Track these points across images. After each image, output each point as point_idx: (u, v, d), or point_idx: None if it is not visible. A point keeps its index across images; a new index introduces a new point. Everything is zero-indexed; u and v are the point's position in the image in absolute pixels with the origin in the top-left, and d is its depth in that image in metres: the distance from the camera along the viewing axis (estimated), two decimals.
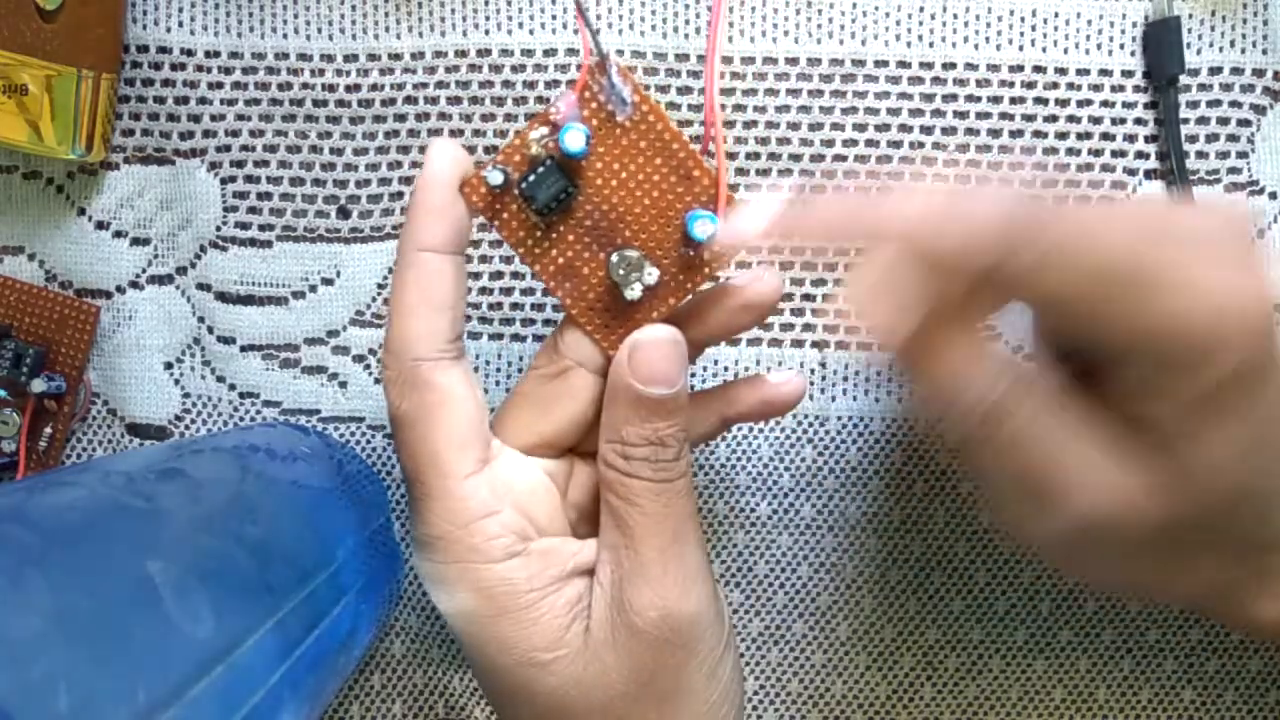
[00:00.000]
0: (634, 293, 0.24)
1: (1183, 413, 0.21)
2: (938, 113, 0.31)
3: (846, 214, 0.23)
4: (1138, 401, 0.22)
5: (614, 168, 0.23)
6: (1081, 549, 0.24)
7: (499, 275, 0.31)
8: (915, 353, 0.22)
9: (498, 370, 0.32)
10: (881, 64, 0.31)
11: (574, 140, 0.23)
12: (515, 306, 0.32)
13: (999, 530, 0.32)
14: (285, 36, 0.31)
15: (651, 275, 0.24)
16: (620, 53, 0.31)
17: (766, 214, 0.23)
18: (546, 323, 0.32)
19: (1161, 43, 0.30)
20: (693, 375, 0.32)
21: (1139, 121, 0.31)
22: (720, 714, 0.25)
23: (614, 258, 0.24)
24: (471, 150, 0.31)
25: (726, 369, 0.32)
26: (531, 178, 0.23)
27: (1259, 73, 0.31)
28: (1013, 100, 0.31)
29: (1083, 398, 0.23)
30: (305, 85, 0.31)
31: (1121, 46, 0.31)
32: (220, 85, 0.31)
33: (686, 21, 0.31)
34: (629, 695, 0.24)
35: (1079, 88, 0.31)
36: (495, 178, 0.23)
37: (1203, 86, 0.31)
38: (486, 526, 0.23)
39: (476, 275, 0.31)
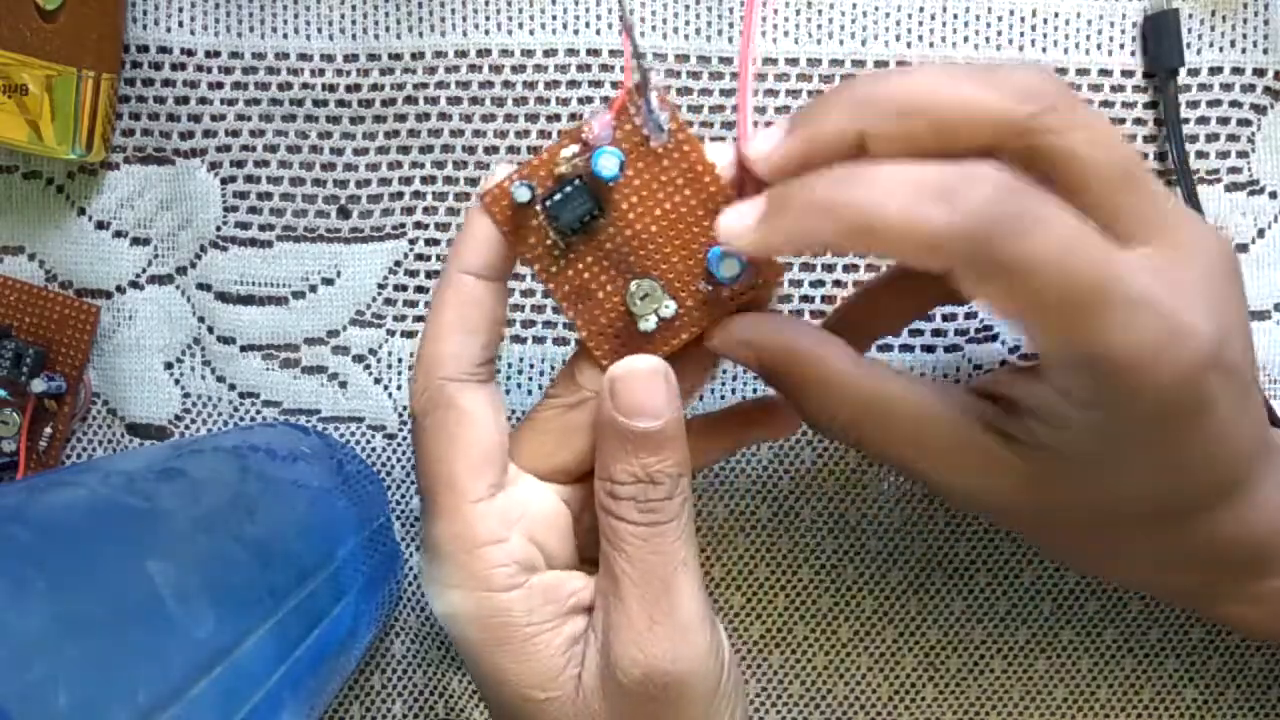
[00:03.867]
0: (648, 324, 0.23)
1: (1083, 427, 0.22)
2: None
3: (860, 95, 0.22)
4: (1051, 408, 0.22)
5: (642, 194, 0.23)
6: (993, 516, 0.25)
7: None
8: (773, 380, 0.23)
9: (497, 372, 0.32)
10: (881, 64, 0.31)
11: (608, 165, 0.22)
12: (515, 308, 0.32)
13: (994, 527, 0.32)
14: (285, 36, 0.31)
15: (669, 308, 0.23)
16: (619, 53, 0.31)
17: (775, 134, 0.22)
18: (547, 324, 0.32)
19: (1160, 35, 0.30)
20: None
21: (1139, 121, 0.31)
22: None
23: (632, 286, 0.23)
24: (471, 150, 0.31)
25: (725, 369, 0.32)
26: (558, 197, 0.22)
27: (1259, 72, 0.31)
28: None
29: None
30: (305, 85, 0.31)
31: (1122, 46, 0.31)
32: (220, 85, 0.31)
33: (686, 22, 0.31)
34: None
35: (1079, 87, 0.31)
36: (521, 194, 0.23)
37: (1203, 86, 0.31)
38: (491, 554, 0.23)
39: None
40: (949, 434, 0.23)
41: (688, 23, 0.31)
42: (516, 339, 0.31)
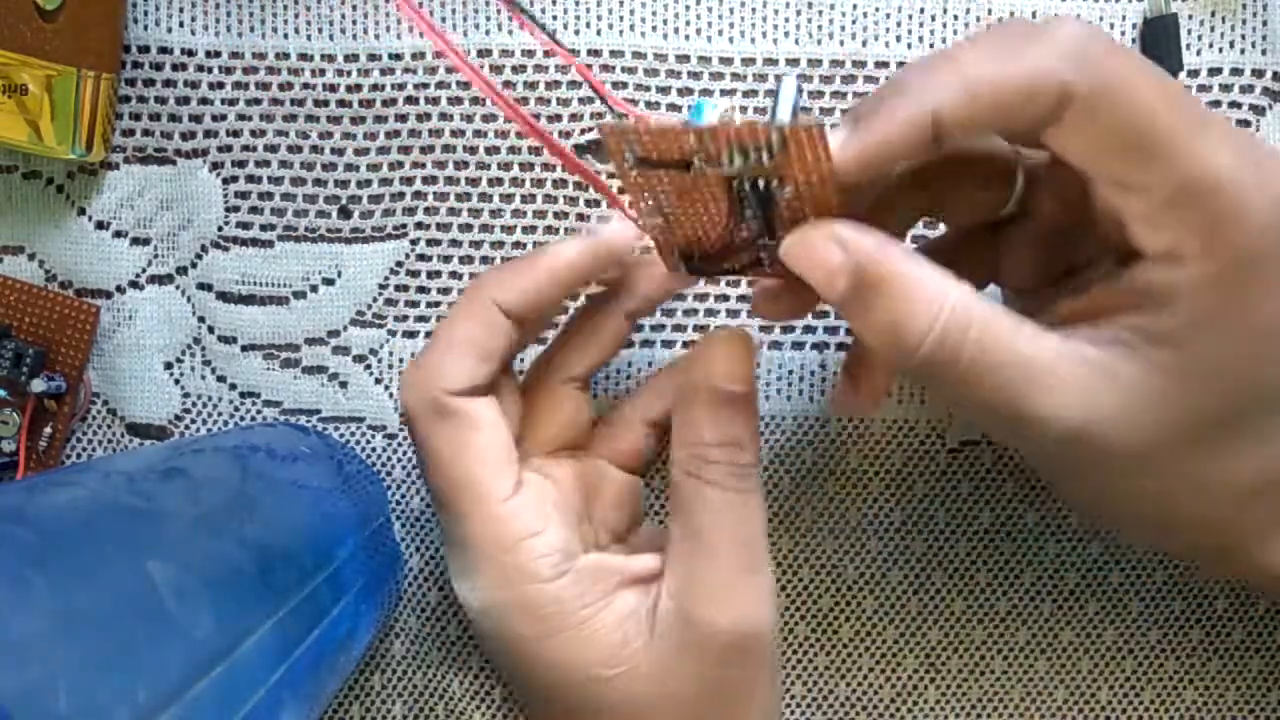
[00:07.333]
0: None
1: (1198, 289, 0.20)
2: None
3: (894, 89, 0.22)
4: (1153, 280, 0.21)
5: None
6: (1071, 465, 0.22)
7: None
8: (855, 297, 0.21)
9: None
10: (882, 65, 0.31)
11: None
12: None
13: (998, 528, 0.32)
14: (286, 37, 0.31)
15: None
16: (620, 53, 0.31)
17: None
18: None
19: (1159, 41, 0.30)
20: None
21: None
22: None
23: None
24: (472, 150, 0.31)
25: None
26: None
27: (1258, 73, 0.31)
28: None
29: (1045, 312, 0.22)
30: (306, 85, 0.31)
31: None
32: (221, 85, 0.31)
33: (687, 23, 0.31)
34: (697, 712, 0.24)
35: None
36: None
37: (1202, 87, 0.31)
38: (533, 546, 0.24)
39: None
40: (1063, 362, 0.21)
41: (688, 23, 0.31)
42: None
